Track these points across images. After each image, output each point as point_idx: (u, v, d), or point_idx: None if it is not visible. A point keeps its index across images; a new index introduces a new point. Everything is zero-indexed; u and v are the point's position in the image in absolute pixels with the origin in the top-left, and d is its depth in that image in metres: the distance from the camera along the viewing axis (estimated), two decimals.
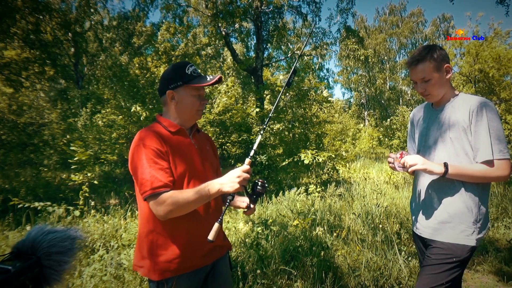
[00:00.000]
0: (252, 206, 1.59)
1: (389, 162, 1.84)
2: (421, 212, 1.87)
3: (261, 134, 1.60)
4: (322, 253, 3.41)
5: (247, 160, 1.49)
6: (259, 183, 1.56)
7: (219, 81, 1.61)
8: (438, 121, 1.83)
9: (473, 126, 1.68)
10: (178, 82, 1.56)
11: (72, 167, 4.91)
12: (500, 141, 1.65)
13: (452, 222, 1.72)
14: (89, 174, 4.73)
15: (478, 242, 1.71)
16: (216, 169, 1.74)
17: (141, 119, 7.24)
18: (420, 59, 1.76)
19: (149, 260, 1.52)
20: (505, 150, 1.66)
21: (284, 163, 6.92)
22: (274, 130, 8.09)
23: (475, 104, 1.69)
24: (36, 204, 4.07)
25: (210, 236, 1.39)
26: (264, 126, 1.69)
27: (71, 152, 4.70)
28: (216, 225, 1.41)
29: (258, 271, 3.00)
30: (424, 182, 1.85)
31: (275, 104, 1.74)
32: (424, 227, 1.84)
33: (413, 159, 1.72)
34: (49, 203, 4.16)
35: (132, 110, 7.28)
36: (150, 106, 7.60)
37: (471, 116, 1.68)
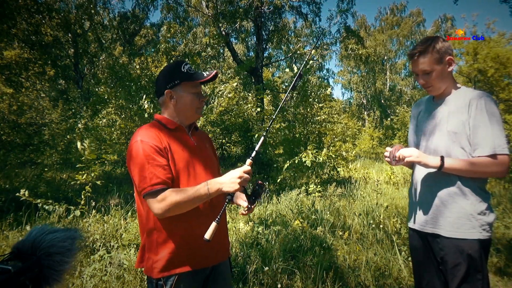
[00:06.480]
0: (251, 206, 1.59)
1: (386, 156, 1.82)
2: (418, 206, 1.84)
3: (264, 136, 1.57)
4: (322, 253, 3.42)
5: (248, 161, 1.48)
6: (259, 183, 1.55)
7: (215, 77, 1.60)
8: (437, 114, 1.80)
9: (472, 120, 1.64)
10: (175, 81, 1.55)
11: (77, 165, 4.89)
12: (499, 136, 1.61)
13: (452, 217, 1.68)
14: (92, 174, 4.72)
15: (486, 234, 1.65)
16: (216, 168, 1.73)
17: (145, 116, 7.17)
18: (422, 51, 1.72)
19: (149, 258, 1.53)
20: (504, 145, 1.61)
21: (286, 164, 6.92)
22: (275, 130, 8.08)
23: (475, 98, 1.66)
24: (38, 200, 4.07)
25: (207, 235, 1.38)
26: (268, 128, 1.70)
27: (80, 151, 4.67)
28: (214, 224, 1.40)
29: (259, 271, 3.01)
30: (420, 175, 1.83)
31: (279, 106, 1.73)
32: (423, 221, 1.80)
33: (408, 151, 1.71)
34: (50, 201, 4.17)
35: (139, 104, 7.19)
36: (153, 104, 7.59)
37: (471, 110, 1.65)
